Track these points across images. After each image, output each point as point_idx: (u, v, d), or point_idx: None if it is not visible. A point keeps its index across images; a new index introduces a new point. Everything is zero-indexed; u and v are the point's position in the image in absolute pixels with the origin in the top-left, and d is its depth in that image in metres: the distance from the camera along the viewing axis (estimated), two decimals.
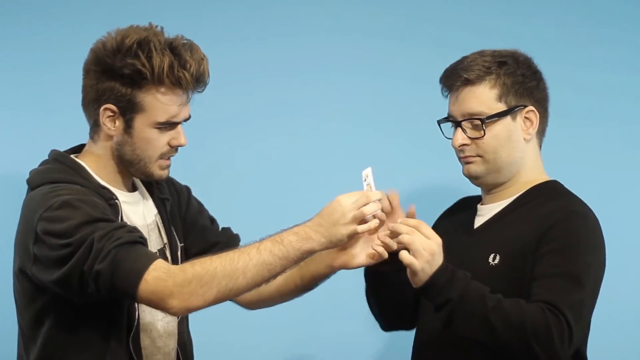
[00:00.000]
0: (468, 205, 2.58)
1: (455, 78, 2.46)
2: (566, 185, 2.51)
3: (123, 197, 2.44)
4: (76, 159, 2.43)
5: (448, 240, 2.49)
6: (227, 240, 2.63)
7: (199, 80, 2.37)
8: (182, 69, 2.34)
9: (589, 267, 2.33)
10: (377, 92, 3.24)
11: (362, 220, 2.29)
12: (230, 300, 2.35)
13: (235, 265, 2.23)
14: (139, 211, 2.48)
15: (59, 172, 2.39)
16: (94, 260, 2.21)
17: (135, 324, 2.37)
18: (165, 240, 2.51)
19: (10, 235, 3.16)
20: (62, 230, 2.25)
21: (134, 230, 2.30)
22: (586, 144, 3.21)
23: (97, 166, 2.43)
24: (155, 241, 2.49)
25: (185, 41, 2.38)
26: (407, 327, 2.64)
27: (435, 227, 2.62)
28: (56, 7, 3.19)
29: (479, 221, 2.50)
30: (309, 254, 2.28)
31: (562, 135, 3.01)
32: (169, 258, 2.50)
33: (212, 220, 2.68)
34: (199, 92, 2.41)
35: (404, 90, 3.23)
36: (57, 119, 3.15)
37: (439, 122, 2.51)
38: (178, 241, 2.54)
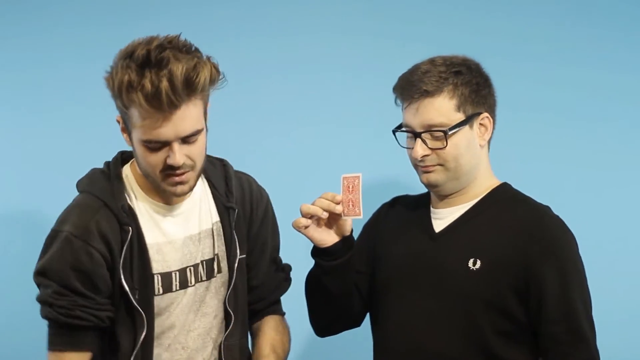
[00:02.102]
0: (413, 204, 2.59)
1: (413, 89, 2.44)
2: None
3: (161, 209, 2.41)
4: (123, 170, 2.43)
5: (405, 241, 2.52)
6: (262, 285, 2.56)
7: (158, 101, 2.24)
8: (138, 90, 2.24)
9: (581, 273, 2.42)
10: (377, 91, 3.23)
11: None
12: None
13: None
14: (183, 221, 2.44)
15: (97, 183, 2.40)
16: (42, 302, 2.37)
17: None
18: (217, 250, 2.46)
19: (10, 234, 3.17)
20: (39, 260, 2.37)
21: (73, 307, 2.34)
22: (585, 144, 3.20)
23: (139, 175, 2.41)
24: (200, 252, 2.45)
25: (170, 53, 2.26)
26: (341, 329, 2.64)
27: (379, 224, 2.64)
28: (56, 6, 3.18)
29: (439, 224, 2.50)
30: None
31: (561, 135, 3.02)
32: (221, 268, 2.48)
33: (271, 255, 2.58)
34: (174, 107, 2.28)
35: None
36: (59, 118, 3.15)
37: (394, 132, 2.50)
38: (238, 252, 2.48)
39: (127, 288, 2.33)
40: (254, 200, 2.53)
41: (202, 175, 2.47)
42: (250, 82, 3.18)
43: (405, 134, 2.48)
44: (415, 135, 2.44)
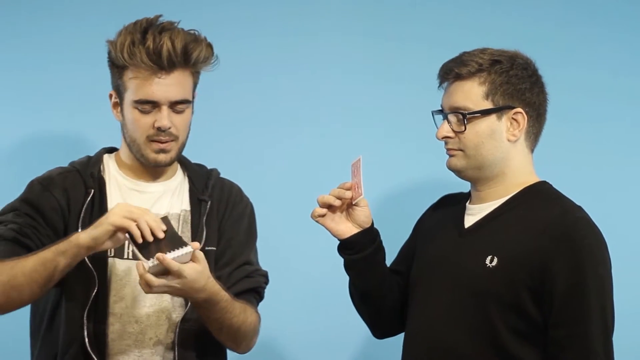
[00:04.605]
0: (454, 203, 2.60)
1: (449, 72, 2.49)
2: (563, 187, 2.52)
3: (132, 185, 2.55)
4: (104, 155, 2.59)
5: (438, 238, 2.54)
6: (219, 278, 2.51)
7: (158, 57, 2.43)
8: (140, 45, 2.43)
9: (603, 280, 2.37)
10: (378, 93, 3.25)
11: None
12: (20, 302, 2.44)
13: (19, 262, 2.37)
14: (150, 200, 2.54)
15: (78, 160, 2.58)
16: None
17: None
18: (182, 234, 2.50)
19: None
20: None
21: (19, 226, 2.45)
22: (585, 145, 3.21)
23: (120, 159, 2.57)
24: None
25: (171, 25, 2.47)
26: (395, 330, 2.65)
27: (421, 224, 2.67)
28: (58, 6, 3.20)
29: (469, 220, 2.52)
30: (75, 245, 2.35)
31: (560, 135, 3.02)
32: None
33: (235, 254, 2.60)
34: (183, 70, 2.46)
35: (405, 91, 3.24)
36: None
37: (433, 113, 2.54)
38: (204, 240, 2.53)
39: None
40: (230, 201, 2.62)
41: (185, 172, 2.61)
42: (252, 83, 3.20)
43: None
44: (444, 116, 2.49)
